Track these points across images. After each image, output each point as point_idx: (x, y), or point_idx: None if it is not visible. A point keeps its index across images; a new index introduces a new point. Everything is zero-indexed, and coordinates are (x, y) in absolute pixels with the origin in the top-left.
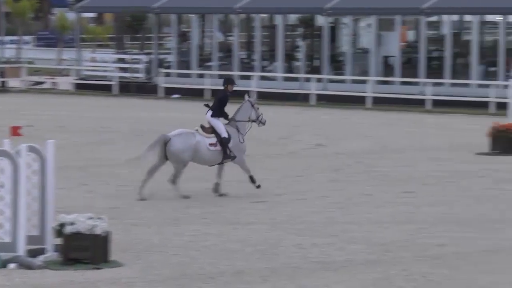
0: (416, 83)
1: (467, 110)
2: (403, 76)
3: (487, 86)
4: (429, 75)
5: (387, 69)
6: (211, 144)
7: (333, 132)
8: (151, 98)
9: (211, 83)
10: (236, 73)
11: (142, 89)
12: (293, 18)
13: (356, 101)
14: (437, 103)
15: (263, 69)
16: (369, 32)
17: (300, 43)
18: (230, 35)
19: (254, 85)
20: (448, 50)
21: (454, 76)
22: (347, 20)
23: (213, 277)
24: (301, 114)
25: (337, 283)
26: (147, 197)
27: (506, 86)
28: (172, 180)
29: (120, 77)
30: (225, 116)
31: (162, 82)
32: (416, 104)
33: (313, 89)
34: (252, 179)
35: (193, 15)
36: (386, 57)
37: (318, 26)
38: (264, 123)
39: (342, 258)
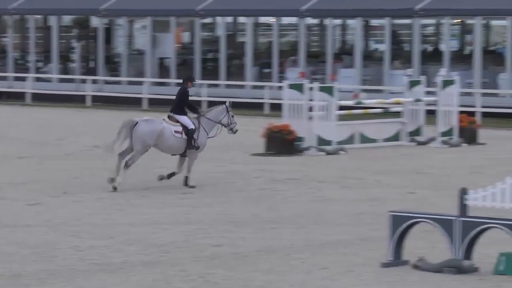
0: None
1: (243, 111)
2: (178, 78)
3: (261, 87)
4: (204, 77)
5: (163, 70)
6: (176, 132)
7: (111, 133)
8: None
9: None
10: (10, 74)
11: None
12: (67, 19)
13: (133, 102)
14: (213, 104)
15: (38, 70)
16: (144, 34)
17: (75, 44)
18: (4, 36)
19: (29, 87)
20: (223, 52)
21: (229, 78)
22: (122, 21)
23: None
24: (77, 115)
25: (114, 285)
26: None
27: (280, 88)
28: (127, 164)
29: None
30: (194, 110)
31: None
32: None
33: (89, 90)
34: (186, 181)
35: None
36: (161, 59)
37: (93, 27)
38: (234, 132)
39: (120, 260)
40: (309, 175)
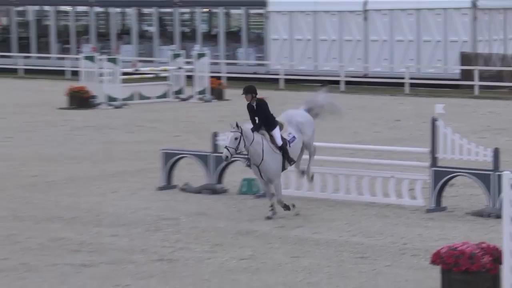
0: (10, 57)
1: (50, 77)
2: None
3: (63, 59)
4: (20, 51)
5: None
6: None
7: None
8: None
9: None
10: None
11: None
12: None
13: None
14: (27, 71)
15: None
16: None
17: None
18: None
19: None
20: (33, 32)
21: (39, 51)
22: None
23: None
24: None
25: None
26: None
27: (77, 59)
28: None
29: None
30: None
31: None
32: (10, 72)
33: None
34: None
35: None
36: None
37: None
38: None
39: None
40: (101, 123)
